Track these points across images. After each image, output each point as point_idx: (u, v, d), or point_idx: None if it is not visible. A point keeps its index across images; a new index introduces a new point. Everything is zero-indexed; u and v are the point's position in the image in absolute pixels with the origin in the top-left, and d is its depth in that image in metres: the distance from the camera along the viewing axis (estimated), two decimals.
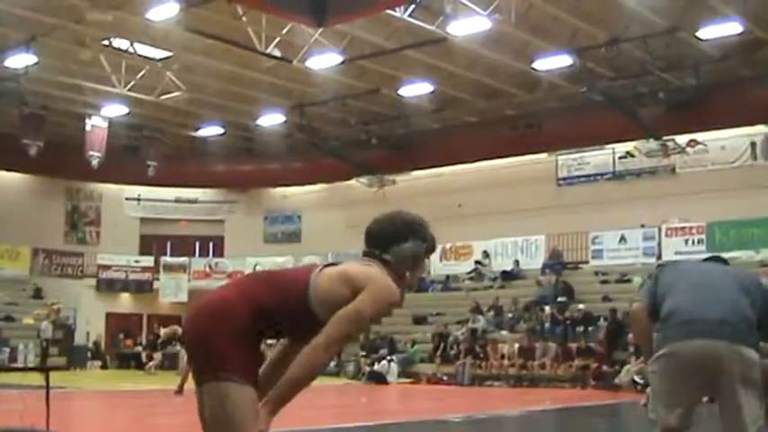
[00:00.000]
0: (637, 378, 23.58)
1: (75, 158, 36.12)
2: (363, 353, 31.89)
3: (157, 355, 35.00)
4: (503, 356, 28.73)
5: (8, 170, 39.59)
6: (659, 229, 31.88)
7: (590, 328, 28.31)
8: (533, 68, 30.16)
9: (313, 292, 4.21)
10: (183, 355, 25.44)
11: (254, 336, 4.20)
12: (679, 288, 5.51)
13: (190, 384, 20.29)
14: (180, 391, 20.60)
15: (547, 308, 30.19)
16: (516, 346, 28.66)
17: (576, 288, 31.34)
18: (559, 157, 35.77)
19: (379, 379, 28.96)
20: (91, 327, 38.88)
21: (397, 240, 4.48)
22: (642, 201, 32.40)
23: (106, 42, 29.40)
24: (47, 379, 11.33)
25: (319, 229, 41.20)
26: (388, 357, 30.05)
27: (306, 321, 4.16)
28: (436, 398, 24.17)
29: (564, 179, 35.87)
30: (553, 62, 29.51)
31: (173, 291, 41.35)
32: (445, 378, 29.07)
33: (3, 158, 37.40)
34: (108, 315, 41.36)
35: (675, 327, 5.34)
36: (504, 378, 28.12)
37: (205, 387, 4.14)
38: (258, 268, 40.58)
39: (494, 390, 27.06)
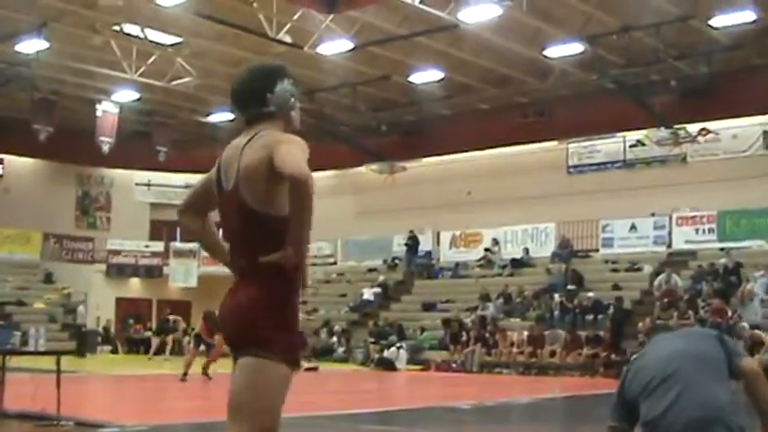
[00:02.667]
0: None
1: (86, 144, 36.23)
2: (372, 339, 31.91)
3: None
4: (512, 344, 28.68)
5: (20, 155, 39.71)
6: (670, 218, 31.78)
7: (599, 317, 28.25)
8: (544, 56, 30.13)
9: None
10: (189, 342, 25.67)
11: None
12: (653, 389, 5.31)
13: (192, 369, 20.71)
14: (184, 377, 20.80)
15: (556, 296, 30.14)
16: (525, 333, 28.62)
17: (586, 276, 31.29)
18: (570, 145, 35.66)
19: (388, 365, 28.97)
20: (101, 312, 39.01)
21: (269, 87, 4.50)
22: (653, 189, 32.27)
23: (117, 28, 29.47)
24: (58, 363, 11.39)
25: (329, 216, 40.81)
26: (398, 344, 30.03)
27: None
28: (445, 384, 24.18)
29: (574, 167, 35.76)
30: (564, 50, 29.48)
31: (182, 276, 41.40)
32: (454, 365, 29.07)
33: (14, 144, 37.58)
34: (118, 300, 41.48)
35: None
36: (514, 365, 28.09)
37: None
38: None
39: (503, 377, 27.04)
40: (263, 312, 4.18)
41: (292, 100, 4.56)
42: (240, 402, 4.20)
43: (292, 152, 4.15)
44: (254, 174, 4.23)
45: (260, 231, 4.25)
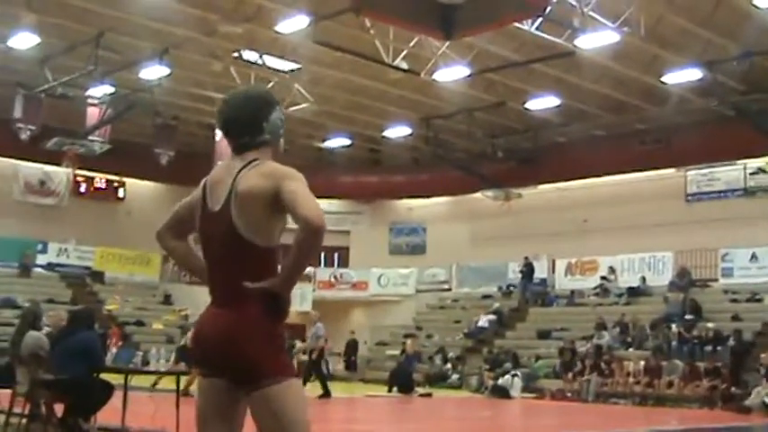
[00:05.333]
0: None
1: (205, 167, 36.08)
2: (487, 366, 31.76)
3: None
4: (628, 374, 28.27)
5: (141, 178, 40.61)
6: None
7: (719, 348, 27.68)
8: (662, 82, 29.74)
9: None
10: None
11: None
12: None
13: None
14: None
15: (674, 326, 29.64)
16: (642, 363, 28.19)
17: (705, 306, 30.70)
18: (688, 173, 35.13)
19: (503, 393, 28.79)
20: None
21: (266, 116, 4.46)
22: None
23: (236, 54, 29.93)
24: (177, 383, 11.60)
25: (444, 242, 41.22)
26: (512, 372, 29.83)
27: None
28: (560, 414, 23.94)
29: (693, 195, 35.20)
30: (683, 75, 29.03)
31: (297, 300, 41.68)
32: (569, 394, 28.76)
33: (136, 167, 38.50)
34: None
35: None
36: (630, 396, 27.65)
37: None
38: (383, 280, 40.81)
39: (619, 407, 26.66)
40: (262, 344, 4.16)
41: (282, 129, 4.54)
42: None
43: (306, 193, 4.16)
44: (253, 201, 4.22)
45: (246, 258, 4.23)
